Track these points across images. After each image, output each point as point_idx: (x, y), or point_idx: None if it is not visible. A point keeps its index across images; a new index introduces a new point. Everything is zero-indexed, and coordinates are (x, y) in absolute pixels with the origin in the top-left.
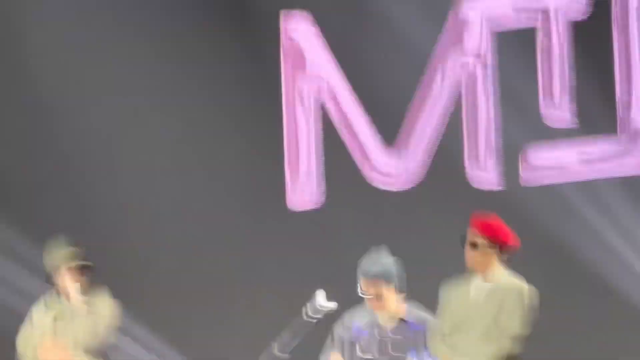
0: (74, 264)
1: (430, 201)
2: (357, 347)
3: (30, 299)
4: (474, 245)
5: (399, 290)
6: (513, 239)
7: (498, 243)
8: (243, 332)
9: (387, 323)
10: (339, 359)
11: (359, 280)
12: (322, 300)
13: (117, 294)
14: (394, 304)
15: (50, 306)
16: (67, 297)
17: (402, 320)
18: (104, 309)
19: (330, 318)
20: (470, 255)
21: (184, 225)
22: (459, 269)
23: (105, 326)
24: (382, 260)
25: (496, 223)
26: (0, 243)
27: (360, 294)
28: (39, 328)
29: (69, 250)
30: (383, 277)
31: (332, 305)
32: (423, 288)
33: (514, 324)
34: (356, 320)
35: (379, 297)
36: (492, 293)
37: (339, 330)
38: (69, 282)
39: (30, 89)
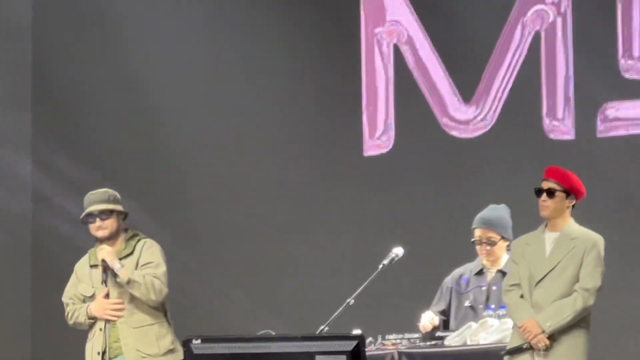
0: (101, 207)
1: (504, 150)
2: (464, 298)
3: None
4: (550, 194)
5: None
6: (584, 189)
7: (573, 192)
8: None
9: (490, 274)
10: (433, 317)
11: (473, 229)
12: (399, 252)
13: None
14: (502, 255)
15: (93, 259)
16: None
17: (501, 271)
18: (148, 258)
19: (437, 271)
20: (546, 204)
21: (262, 169)
22: (530, 220)
23: (154, 275)
24: (500, 211)
25: (570, 172)
26: None
27: (474, 242)
28: (85, 282)
29: (97, 194)
30: (499, 227)
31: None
32: None
33: (595, 279)
34: (465, 272)
35: (492, 245)
36: (569, 246)
37: (447, 282)
38: (95, 230)
39: None
